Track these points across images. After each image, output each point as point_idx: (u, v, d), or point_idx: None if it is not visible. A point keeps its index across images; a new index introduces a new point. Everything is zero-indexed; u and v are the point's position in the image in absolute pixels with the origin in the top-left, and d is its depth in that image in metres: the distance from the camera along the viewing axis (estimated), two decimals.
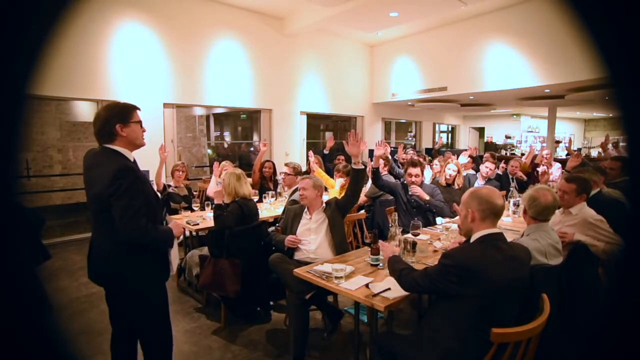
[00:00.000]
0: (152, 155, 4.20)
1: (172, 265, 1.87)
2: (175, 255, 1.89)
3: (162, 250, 1.83)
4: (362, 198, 4.20)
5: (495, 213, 1.63)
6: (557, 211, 2.56)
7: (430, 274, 1.59)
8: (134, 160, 1.80)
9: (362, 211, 3.93)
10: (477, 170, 4.99)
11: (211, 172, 5.04)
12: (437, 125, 12.30)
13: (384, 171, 4.29)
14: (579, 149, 13.56)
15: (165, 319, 1.92)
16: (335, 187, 4.11)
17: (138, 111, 1.81)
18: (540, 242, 2.00)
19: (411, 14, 6.42)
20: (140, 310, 1.81)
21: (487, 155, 5.54)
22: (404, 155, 5.92)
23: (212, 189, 3.70)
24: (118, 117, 1.74)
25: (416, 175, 3.50)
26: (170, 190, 4.22)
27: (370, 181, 4.27)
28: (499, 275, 1.50)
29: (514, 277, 1.55)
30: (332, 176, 4.42)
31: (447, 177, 3.92)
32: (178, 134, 6.56)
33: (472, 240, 1.65)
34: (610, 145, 4.76)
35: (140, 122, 1.81)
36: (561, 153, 12.10)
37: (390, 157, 4.81)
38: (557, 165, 5.84)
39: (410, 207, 3.52)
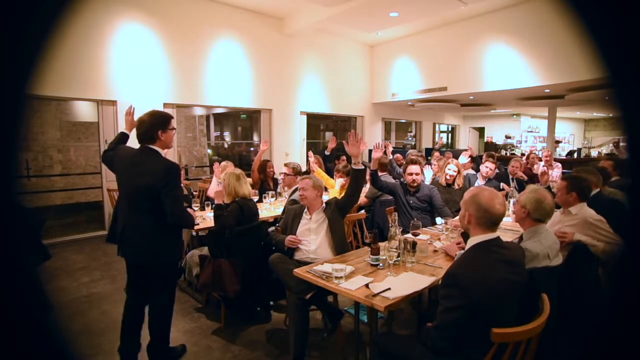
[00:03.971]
0: None
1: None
2: None
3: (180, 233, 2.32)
4: (363, 199, 4.20)
5: (492, 222, 1.61)
6: (557, 211, 2.57)
7: (442, 307, 1.51)
8: None
9: (362, 211, 3.93)
10: (477, 170, 4.98)
11: (211, 172, 5.04)
12: (437, 125, 12.29)
13: (382, 172, 4.29)
14: (579, 149, 13.57)
15: (174, 286, 2.41)
16: (335, 187, 4.12)
17: (173, 120, 2.21)
18: (543, 244, 1.99)
19: (411, 14, 6.42)
20: (163, 279, 2.26)
21: (485, 155, 5.53)
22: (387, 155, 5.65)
23: (213, 189, 3.70)
24: (160, 124, 2.12)
25: (416, 174, 3.51)
26: None
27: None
28: (497, 280, 1.50)
29: (512, 279, 1.55)
30: (332, 176, 4.42)
31: (447, 177, 3.92)
32: (178, 134, 6.57)
33: (467, 246, 1.65)
34: (611, 145, 4.77)
35: (174, 128, 2.21)
36: (562, 153, 12.10)
37: (390, 157, 4.81)
38: (557, 165, 5.84)
39: (409, 207, 3.52)
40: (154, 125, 2.10)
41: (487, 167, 4.54)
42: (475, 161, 5.46)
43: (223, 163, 4.16)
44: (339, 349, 2.55)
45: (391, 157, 4.85)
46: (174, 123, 2.21)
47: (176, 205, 2.05)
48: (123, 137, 2.45)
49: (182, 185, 2.08)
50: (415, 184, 3.53)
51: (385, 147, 4.33)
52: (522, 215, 2.10)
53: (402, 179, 3.87)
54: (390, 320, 2.59)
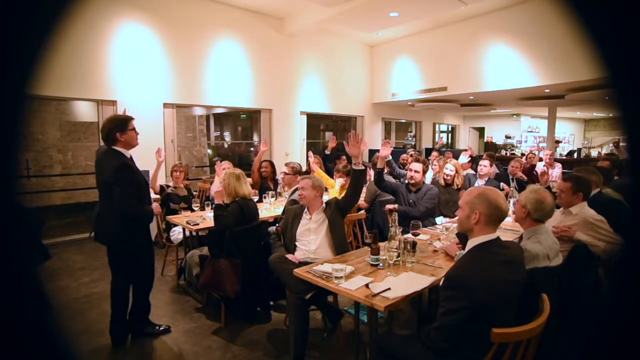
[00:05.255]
0: (152, 155, 4.19)
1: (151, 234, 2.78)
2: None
3: (146, 224, 2.62)
4: (362, 204, 4.18)
5: (500, 219, 1.63)
6: (557, 211, 2.57)
7: (443, 308, 1.51)
8: (131, 157, 2.49)
9: (362, 211, 3.93)
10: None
11: (211, 172, 5.03)
12: (437, 125, 12.28)
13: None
14: (579, 149, 13.58)
15: (150, 268, 2.70)
16: (335, 187, 4.11)
17: (133, 121, 2.48)
18: (543, 244, 1.99)
19: (411, 14, 6.42)
20: (131, 261, 2.54)
21: (485, 155, 5.54)
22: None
23: (215, 189, 3.71)
24: (117, 127, 2.41)
25: (416, 171, 3.52)
26: (169, 190, 4.21)
27: (368, 184, 4.26)
28: (499, 281, 1.50)
29: (513, 279, 1.55)
30: (332, 176, 4.41)
31: (446, 177, 3.93)
32: (178, 134, 6.56)
33: (468, 247, 1.65)
34: (611, 145, 4.78)
35: (134, 129, 2.48)
36: (562, 153, 12.10)
37: (390, 156, 4.80)
38: (558, 165, 5.85)
39: (410, 206, 3.52)
40: (112, 128, 2.40)
41: (482, 164, 4.51)
42: (475, 161, 5.45)
43: (222, 163, 4.14)
44: (339, 349, 2.55)
45: (390, 157, 4.84)
46: (133, 124, 2.48)
47: (121, 198, 2.35)
48: None
49: (130, 181, 2.38)
50: (413, 181, 3.54)
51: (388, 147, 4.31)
52: (522, 215, 2.11)
53: (402, 179, 3.87)
54: (390, 320, 2.60)
